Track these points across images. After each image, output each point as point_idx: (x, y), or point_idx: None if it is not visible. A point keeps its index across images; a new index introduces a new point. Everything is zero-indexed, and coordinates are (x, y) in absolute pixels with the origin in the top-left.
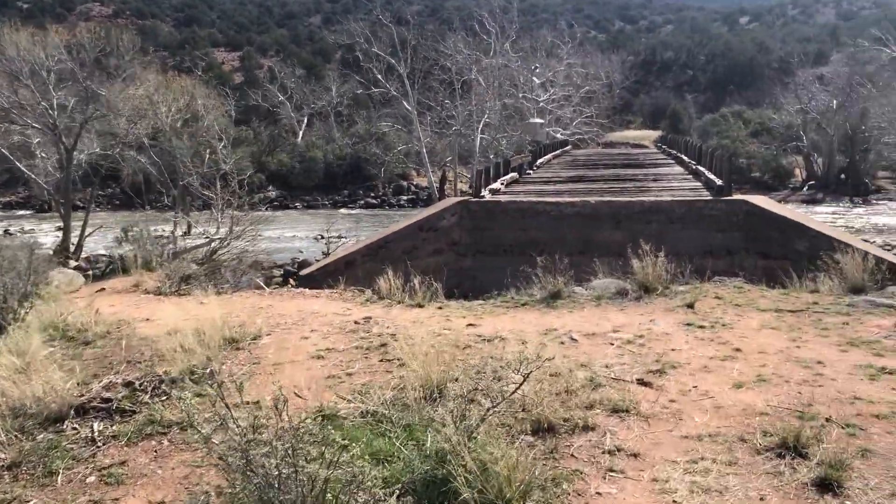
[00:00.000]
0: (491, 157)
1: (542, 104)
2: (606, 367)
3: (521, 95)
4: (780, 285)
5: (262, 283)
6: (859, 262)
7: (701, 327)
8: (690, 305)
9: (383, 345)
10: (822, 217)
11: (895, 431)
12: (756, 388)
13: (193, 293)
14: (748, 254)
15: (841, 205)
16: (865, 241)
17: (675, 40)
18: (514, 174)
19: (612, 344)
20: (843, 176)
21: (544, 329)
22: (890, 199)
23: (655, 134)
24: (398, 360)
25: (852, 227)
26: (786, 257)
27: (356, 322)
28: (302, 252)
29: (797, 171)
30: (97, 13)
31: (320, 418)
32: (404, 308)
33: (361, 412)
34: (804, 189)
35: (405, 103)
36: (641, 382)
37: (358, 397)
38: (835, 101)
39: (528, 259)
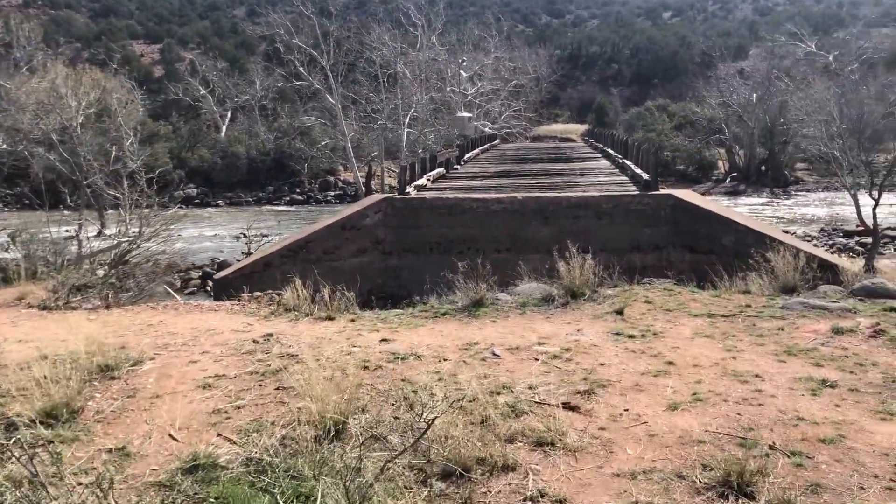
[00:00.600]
0: (419, 151)
1: (470, 98)
2: (530, 388)
3: (448, 89)
4: (710, 284)
5: (171, 290)
6: (790, 261)
7: (631, 337)
8: (619, 312)
9: (281, 369)
10: (745, 209)
11: (843, 459)
12: (692, 410)
13: (84, 306)
14: (675, 248)
15: (762, 196)
16: (786, 231)
17: (600, 35)
18: (442, 169)
19: (538, 359)
20: (763, 168)
21: (465, 343)
22: (808, 191)
23: (582, 128)
24: (298, 386)
25: (774, 218)
26: (712, 251)
27: (255, 341)
28: (223, 252)
29: (720, 164)
30: (6, 2)
31: (193, 469)
32: (313, 321)
33: (244, 459)
34: (727, 181)
35: (329, 97)
36: (568, 406)
37: (244, 438)
38: (755, 95)
39: (456, 257)
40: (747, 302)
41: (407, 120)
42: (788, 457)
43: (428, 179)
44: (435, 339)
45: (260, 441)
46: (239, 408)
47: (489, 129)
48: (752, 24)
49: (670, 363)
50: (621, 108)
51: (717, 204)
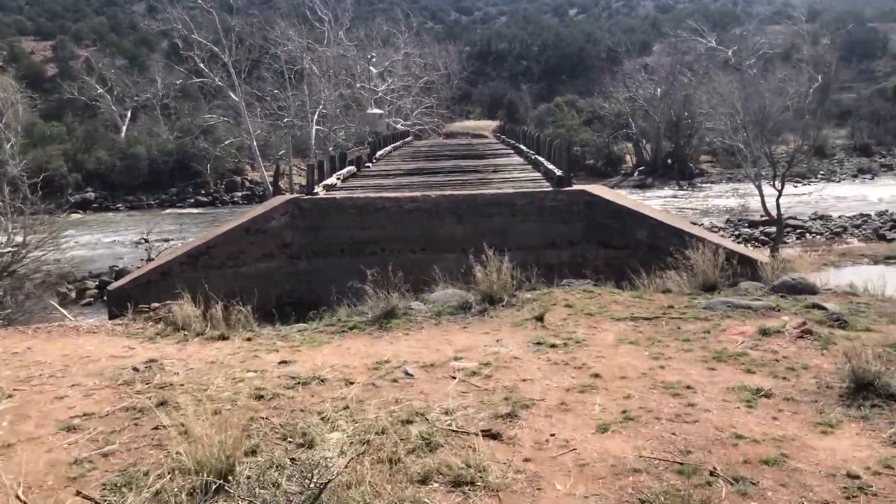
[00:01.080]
0: (330, 149)
1: (380, 94)
2: (447, 413)
3: (358, 86)
4: (628, 283)
5: (57, 306)
6: (709, 258)
7: (553, 346)
8: (540, 318)
9: (162, 403)
10: (654, 201)
11: (789, 483)
12: (624, 431)
13: None
14: (590, 244)
15: (669, 188)
16: (694, 223)
17: (509, 31)
18: (352, 168)
19: (454, 377)
20: (669, 161)
21: (375, 361)
22: (713, 182)
23: (494, 124)
24: (179, 425)
25: (682, 210)
26: (627, 246)
27: (135, 368)
28: (122, 259)
29: (628, 158)
30: None
31: None
32: (204, 342)
33: None
34: (635, 174)
35: (232, 94)
36: (489, 434)
37: (110, 495)
38: (659, 90)
39: (368, 259)
40: (669, 302)
41: (315, 117)
42: (732, 483)
43: (338, 178)
44: (341, 357)
45: (128, 500)
46: (107, 455)
47: (401, 125)
48: (655, 21)
49: (596, 376)
50: (531, 104)
51: (629, 199)
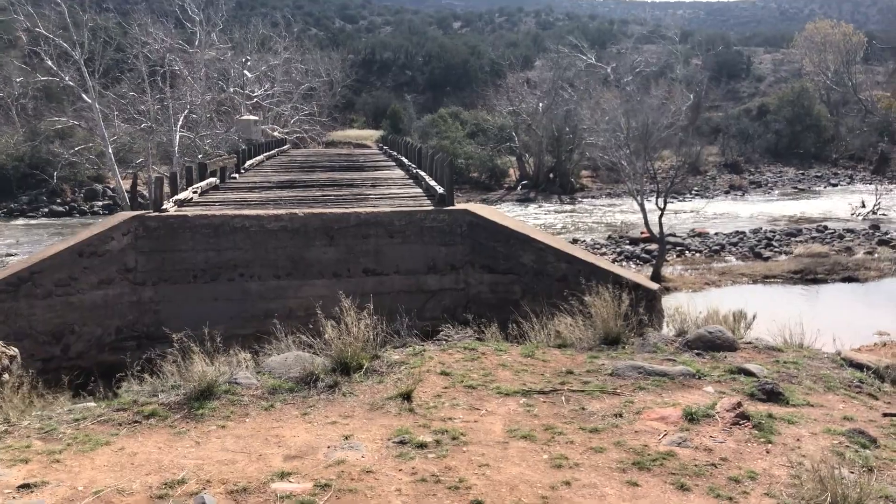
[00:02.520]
0: (199, 157)
1: (256, 100)
2: None
3: (232, 90)
4: (515, 325)
5: None
6: (610, 303)
7: (422, 446)
8: (407, 396)
9: None
10: (535, 216)
11: None
12: None
13: None
14: (474, 268)
15: (552, 203)
16: (575, 241)
17: (394, 41)
18: (214, 180)
19: None
20: (552, 175)
21: (163, 482)
22: (593, 197)
23: (378, 133)
24: None
25: (564, 225)
26: (512, 271)
27: None
28: None
29: (511, 171)
30: None
31: None
32: None
33: None
34: (518, 188)
35: (84, 96)
36: None
37: None
38: (541, 104)
39: (226, 286)
40: (567, 364)
41: (180, 122)
42: None
43: (195, 192)
44: (117, 474)
45: None
46: None
47: (279, 133)
48: (537, 37)
49: None
50: (415, 115)
51: (515, 220)
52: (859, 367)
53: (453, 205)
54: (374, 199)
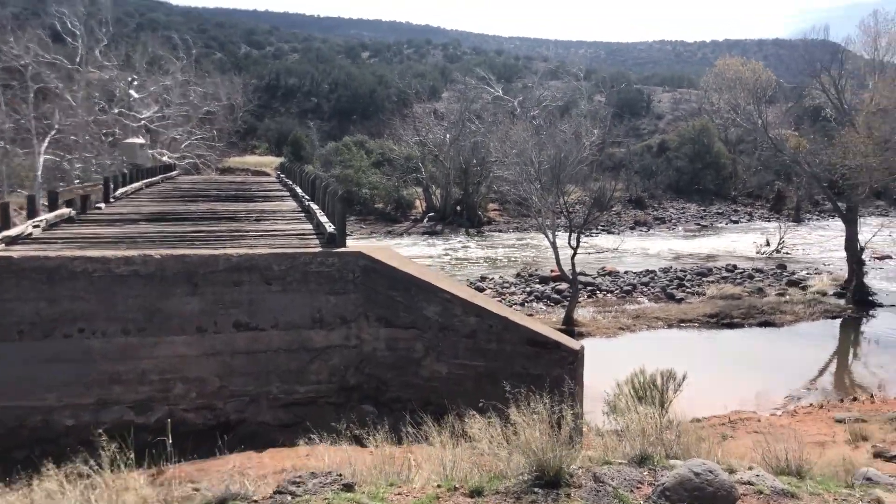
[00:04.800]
0: (76, 182)
1: (144, 122)
2: None
3: (116, 111)
4: (413, 425)
5: None
6: (545, 420)
7: None
8: None
9: None
10: (442, 251)
11: None
12: None
13: None
14: (369, 322)
15: (458, 236)
16: (483, 279)
17: (300, 67)
18: (68, 211)
19: None
20: (459, 208)
21: None
22: (501, 231)
23: (279, 160)
24: None
25: (469, 260)
26: (414, 325)
27: None
28: None
29: (418, 203)
30: None
31: None
32: None
33: None
34: (425, 221)
35: None
36: None
37: None
38: (449, 135)
39: (62, 344)
40: None
41: (45, 144)
42: None
43: (36, 226)
44: None
45: None
46: None
47: (167, 158)
48: (444, 69)
49: None
50: (319, 142)
51: (417, 264)
52: None
53: (345, 246)
54: (253, 238)
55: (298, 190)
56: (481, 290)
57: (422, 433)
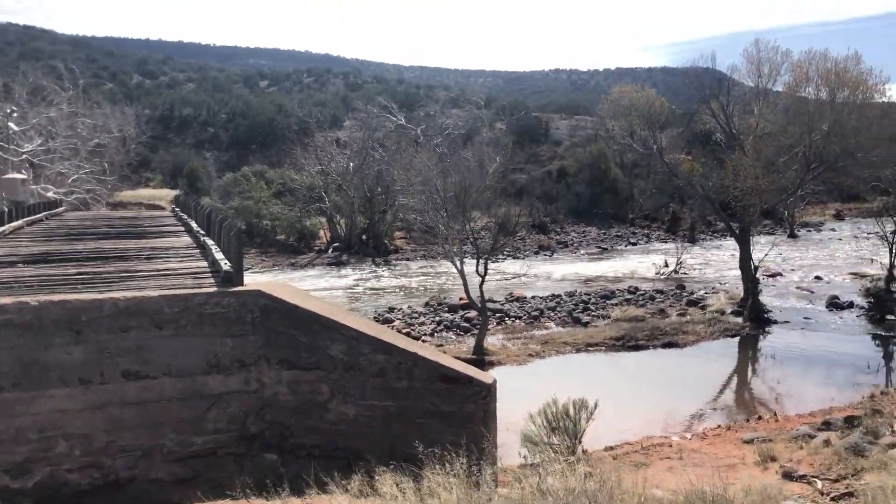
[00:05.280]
0: None
1: (27, 156)
2: None
3: None
4: (319, 474)
5: None
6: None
7: None
8: None
9: None
10: (349, 282)
11: None
12: None
13: None
14: (270, 365)
15: (365, 266)
16: (392, 308)
17: (196, 97)
18: None
19: None
20: (364, 237)
21: None
22: (408, 259)
23: (174, 193)
24: None
25: (374, 292)
26: (318, 366)
27: None
28: None
29: (322, 233)
30: None
31: None
32: None
33: None
34: (330, 251)
35: None
36: None
37: None
38: (352, 164)
39: None
40: None
41: None
42: None
43: None
44: None
45: None
46: None
47: (52, 193)
48: (346, 98)
49: None
50: (217, 173)
51: (321, 301)
52: None
53: (242, 284)
54: (143, 278)
55: (193, 224)
56: (390, 321)
57: (329, 483)
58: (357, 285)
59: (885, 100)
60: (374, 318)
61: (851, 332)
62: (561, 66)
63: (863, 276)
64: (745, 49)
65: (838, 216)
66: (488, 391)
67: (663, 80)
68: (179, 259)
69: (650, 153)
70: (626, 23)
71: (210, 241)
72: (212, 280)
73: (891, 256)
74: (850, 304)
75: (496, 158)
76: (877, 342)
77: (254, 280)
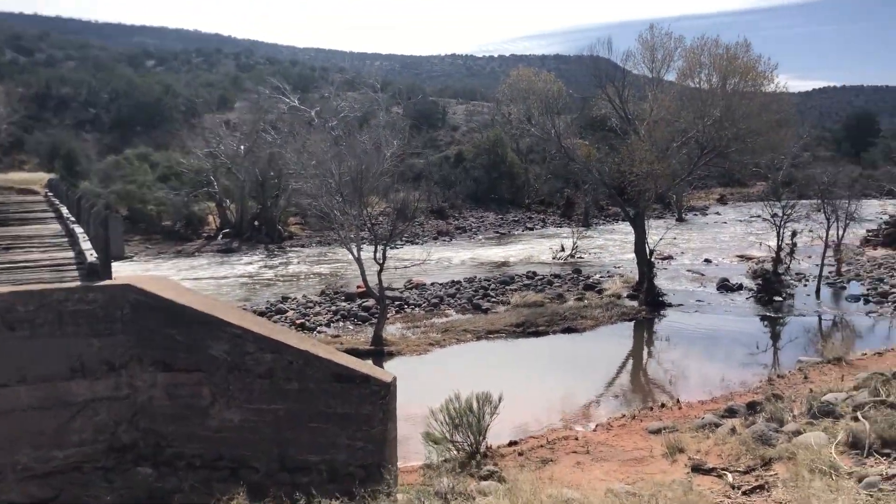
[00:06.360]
0: None
1: None
2: None
3: None
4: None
5: None
6: None
7: None
8: None
9: None
10: (240, 271)
11: None
12: None
13: None
14: (143, 366)
15: (258, 254)
16: (286, 297)
17: (75, 76)
18: None
19: None
20: (257, 223)
21: None
22: (303, 245)
23: (50, 177)
24: None
25: (265, 279)
26: (199, 367)
27: None
28: None
29: (211, 219)
30: None
31: None
32: None
33: None
34: (219, 238)
35: None
36: None
37: None
38: (243, 147)
39: None
40: None
41: None
42: None
43: None
44: None
45: None
46: None
47: None
48: (237, 78)
49: None
50: (97, 156)
51: (201, 296)
52: None
53: (111, 277)
54: (7, 271)
55: (65, 210)
56: (283, 311)
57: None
58: (248, 274)
59: (773, 87)
60: (267, 308)
61: (742, 313)
62: (457, 52)
63: (749, 258)
64: (640, 34)
65: (722, 200)
66: (387, 390)
67: (556, 68)
68: (43, 249)
69: (548, 138)
70: (518, 10)
71: (79, 230)
72: (76, 273)
73: (778, 240)
74: (740, 287)
75: (393, 142)
76: (765, 323)
77: (134, 269)
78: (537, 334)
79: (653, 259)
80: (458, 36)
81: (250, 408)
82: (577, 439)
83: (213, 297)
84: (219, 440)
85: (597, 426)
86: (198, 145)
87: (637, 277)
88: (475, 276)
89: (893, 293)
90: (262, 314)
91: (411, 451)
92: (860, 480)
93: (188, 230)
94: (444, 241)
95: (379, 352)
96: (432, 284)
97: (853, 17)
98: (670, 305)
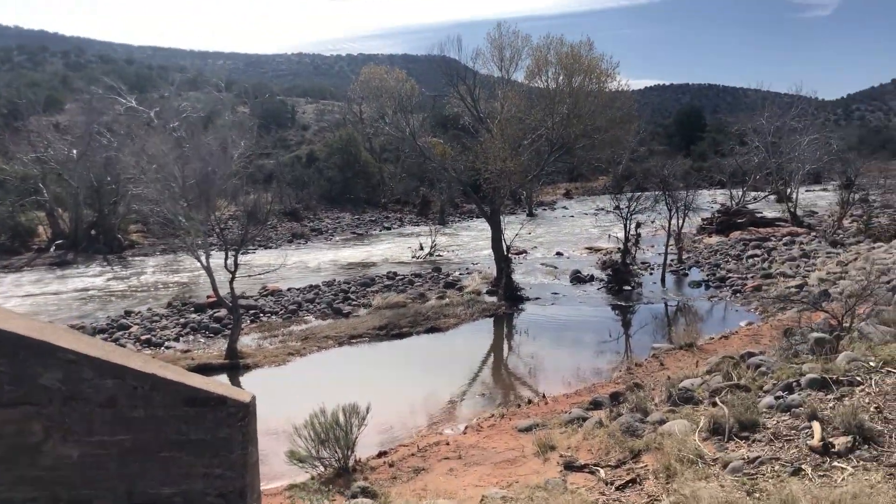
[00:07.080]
0: None
1: None
2: None
3: None
4: None
5: None
6: None
7: None
8: None
9: None
10: (77, 285)
11: None
12: None
13: None
14: None
15: (95, 265)
16: (129, 312)
17: None
18: None
19: None
20: (94, 232)
21: None
22: (146, 255)
23: None
24: None
25: (106, 293)
26: (27, 400)
27: None
28: None
29: (42, 230)
30: None
31: None
32: None
33: None
34: (52, 250)
35: None
36: None
37: None
38: (75, 151)
39: None
40: None
41: None
42: None
43: None
44: None
45: None
46: None
47: None
48: (66, 78)
49: None
50: None
51: (28, 319)
52: None
53: None
54: None
55: None
56: (126, 327)
57: None
58: (86, 288)
59: (616, 85)
60: (108, 325)
61: (595, 303)
62: (304, 51)
63: (598, 250)
64: (488, 33)
65: (568, 195)
66: (246, 411)
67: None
68: None
69: (402, 136)
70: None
71: None
72: None
73: (626, 231)
74: (591, 278)
75: (241, 143)
76: (617, 312)
77: None
78: (401, 336)
79: (509, 255)
80: (302, 34)
81: (91, 441)
82: (448, 444)
83: (42, 319)
84: (55, 480)
85: (466, 427)
86: (23, 150)
87: (495, 273)
88: (334, 280)
89: (730, 277)
90: (101, 332)
91: (275, 471)
92: (725, 466)
93: (15, 242)
94: (300, 243)
95: (234, 365)
96: (289, 290)
97: (681, 20)
98: (528, 299)
